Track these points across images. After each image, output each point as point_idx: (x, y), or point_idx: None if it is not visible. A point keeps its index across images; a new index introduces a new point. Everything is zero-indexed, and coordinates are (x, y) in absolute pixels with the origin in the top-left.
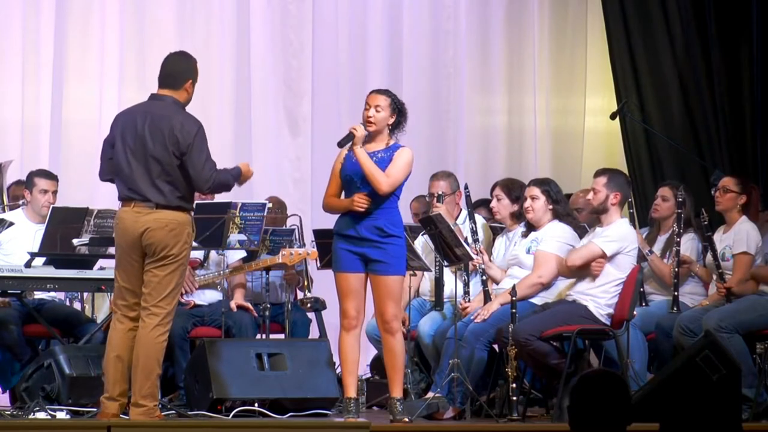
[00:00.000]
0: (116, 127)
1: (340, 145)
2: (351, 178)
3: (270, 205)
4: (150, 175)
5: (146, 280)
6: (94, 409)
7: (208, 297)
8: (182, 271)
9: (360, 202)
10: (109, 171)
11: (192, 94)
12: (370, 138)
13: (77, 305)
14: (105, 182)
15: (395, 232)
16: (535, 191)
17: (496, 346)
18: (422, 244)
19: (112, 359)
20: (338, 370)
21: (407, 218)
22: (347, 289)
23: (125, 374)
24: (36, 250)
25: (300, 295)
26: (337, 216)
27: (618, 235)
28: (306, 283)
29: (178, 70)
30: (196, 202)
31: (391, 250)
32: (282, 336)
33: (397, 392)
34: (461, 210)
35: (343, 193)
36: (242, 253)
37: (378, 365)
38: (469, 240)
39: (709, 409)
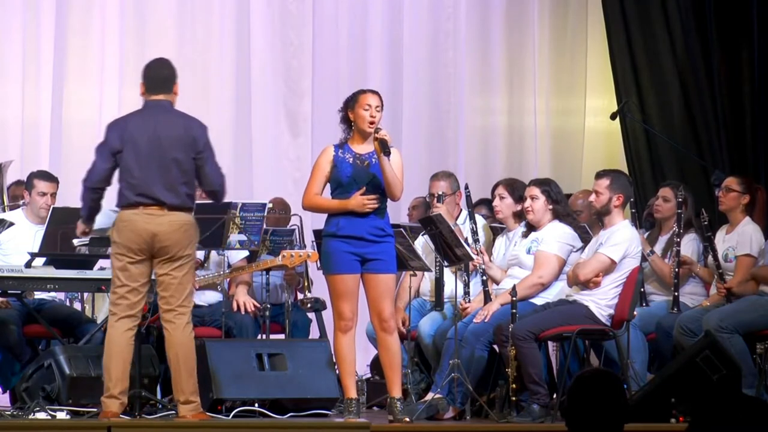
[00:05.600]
0: (121, 134)
1: (387, 154)
2: (352, 181)
3: (270, 205)
4: (166, 178)
5: (165, 283)
6: (95, 410)
7: (208, 298)
8: (194, 269)
9: (371, 202)
10: (107, 179)
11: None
12: (360, 137)
13: (77, 305)
14: (95, 189)
15: (391, 232)
16: (535, 191)
17: (496, 347)
18: (422, 244)
19: (114, 357)
20: (338, 371)
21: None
22: (345, 290)
23: (127, 373)
24: (36, 250)
25: (300, 295)
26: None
27: (623, 238)
28: (306, 284)
29: (168, 75)
30: (195, 202)
31: (387, 248)
32: (282, 336)
33: (396, 392)
34: (461, 210)
35: (327, 193)
36: (245, 254)
37: (378, 365)
38: (470, 240)
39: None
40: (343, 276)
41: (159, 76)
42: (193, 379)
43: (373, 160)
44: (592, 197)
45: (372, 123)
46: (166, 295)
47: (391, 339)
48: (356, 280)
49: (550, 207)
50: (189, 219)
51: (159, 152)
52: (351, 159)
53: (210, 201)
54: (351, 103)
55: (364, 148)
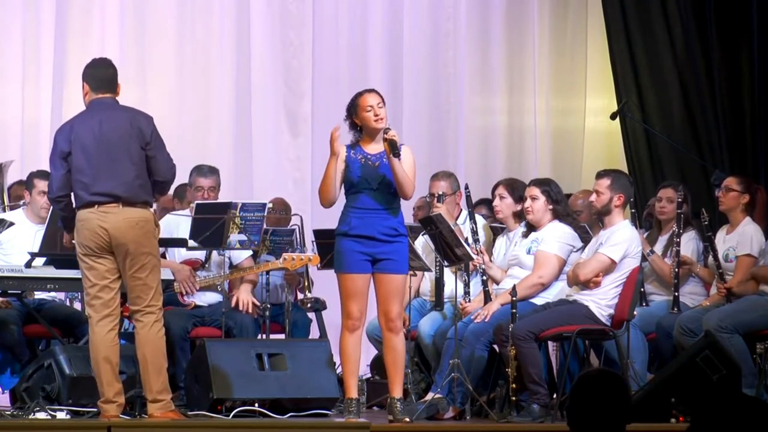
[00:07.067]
0: (67, 136)
1: (396, 155)
2: (363, 181)
3: (270, 205)
4: (117, 173)
5: (130, 285)
6: (94, 409)
7: (208, 298)
8: (159, 265)
9: (335, 136)
10: (66, 184)
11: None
12: (370, 138)
13: (77, 305)
14: (58, 200)
15: (404, 231)
16: (535, 191)
17: (496, 347)
18: (422, 244)
19: (101, 362)
20: (338, 371)
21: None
22: (354, 290)
23: (116, 374)
24: (36, 250)
25: (300, 295)
26: (337, 214)
27: (623, 238)
28: (306, 284)
29: (112, 74)
30: (196, 202)
31: (400, 248)
32: (282, 336)
33: (397, 392)
34: (461, 210)
35: (342, 190)
36: (248, 254)
37: (378, 365)
38: (470, 240)
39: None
40: (353, 275)
41: (104, 76)
42: (162, 378)
43: (384, 159)
44: (593, 197)
45: (379, 120)
46: (133, 296)
47: (396, 339)
48: (366, 280)
49: (550, 207)
50: (145, 215)
51: (107, 148)
52: (362, 159)
53: (212, 201)
54: (353, 109)
55: (375, 148)
